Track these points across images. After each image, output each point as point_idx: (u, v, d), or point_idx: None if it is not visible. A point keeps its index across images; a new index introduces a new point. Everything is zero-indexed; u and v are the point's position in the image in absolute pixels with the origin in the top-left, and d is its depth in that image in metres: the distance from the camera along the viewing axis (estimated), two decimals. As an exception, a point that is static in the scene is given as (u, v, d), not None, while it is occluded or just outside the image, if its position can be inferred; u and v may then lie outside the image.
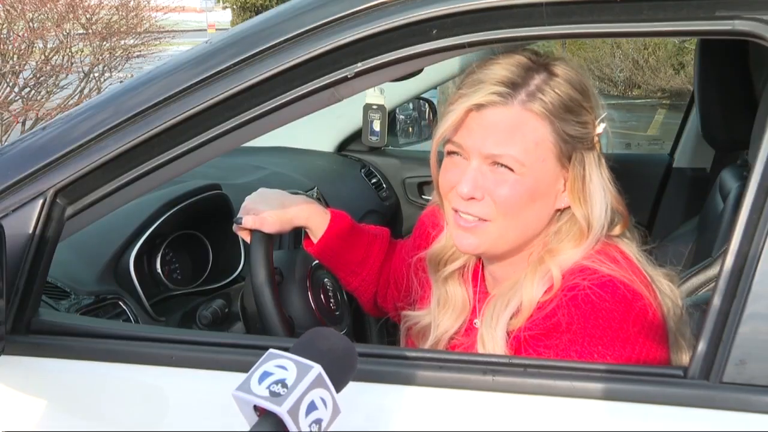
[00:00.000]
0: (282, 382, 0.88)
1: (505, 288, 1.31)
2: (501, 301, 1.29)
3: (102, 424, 1.24)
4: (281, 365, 0.90)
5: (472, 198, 1.25)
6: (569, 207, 1.27)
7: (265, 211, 1.49)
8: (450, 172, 1.28)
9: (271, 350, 0.92)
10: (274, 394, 0.87)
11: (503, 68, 1.24)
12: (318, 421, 0.89)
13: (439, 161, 1.33)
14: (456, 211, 1.28)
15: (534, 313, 1.24)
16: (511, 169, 1.23)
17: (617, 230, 1.29)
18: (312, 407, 0.88)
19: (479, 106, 1.23)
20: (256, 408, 0.88)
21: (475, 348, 1.30)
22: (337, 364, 0.94)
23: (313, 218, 1.55)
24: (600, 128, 1.26)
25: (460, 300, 1.39)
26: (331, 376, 0.90)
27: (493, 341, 1.27)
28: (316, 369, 0.89)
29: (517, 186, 1.23)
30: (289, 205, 1.53)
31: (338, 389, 0.92)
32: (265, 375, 0.89)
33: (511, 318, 1.27)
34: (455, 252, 1.39)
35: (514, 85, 1.22)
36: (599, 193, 1.26)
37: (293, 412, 0.87)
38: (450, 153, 1.29)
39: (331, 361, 0.92)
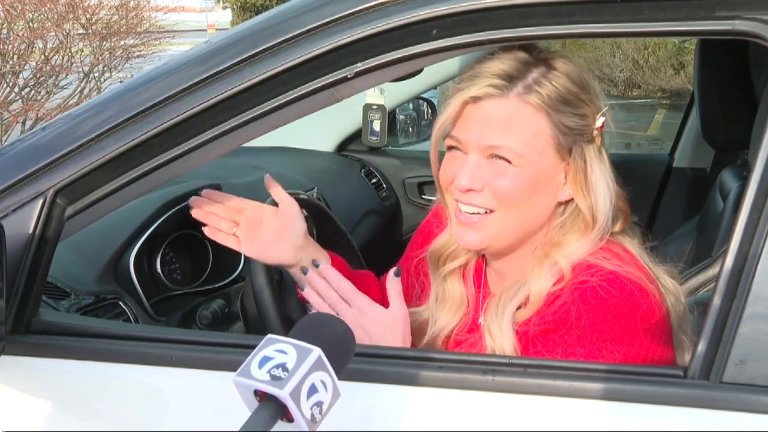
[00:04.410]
0: (282, 366, 0.87)
1: (510, 283, 1.31)
2: (507, 294, 1.29)
3: (102, 424, 1.24)
4: (281, 350, 0.89)
5: (471, 190, 1.25)
6: (572, 200, 1.27)
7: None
8: (449, 166, 1.29)
9: (269, 335, 0.92)
10: (275, 378, 0.86)
11: (501, 62, 1.24)
12: (319, 404, 0.88)
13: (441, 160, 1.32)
14: (458, 202, 1.28)
15: (542, 308, 1.24)
16: (509, 161, 1.23)
17: (618, 227, 1.29)
18: (313, 390, 0.88)
19: (475, 99, 1.24)
20: (256, 393, 0.88)
21: (481, 343, 1.30)
22: (336, 347, 0.93)
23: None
24: (599, 121, 1.26)
25: (458, 296, 1.39)
26: (330, 359, 0.90)
27: (500, 332, 1.26)
28: (316, 352, 0.89)
29: (516, 178, 1.23)
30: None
31: (337, 373, 0.91)
32: (265, 360, 0.88)
33: (518, 309, 1.27)
34: (456, 249, 1.38)
35: (510, 78, 1.23)
36: (603, 184, 1.26)
37: (295, 395, 0.86)
38: (450, 148, 1.29)
39: (329, 344, 0.92)
